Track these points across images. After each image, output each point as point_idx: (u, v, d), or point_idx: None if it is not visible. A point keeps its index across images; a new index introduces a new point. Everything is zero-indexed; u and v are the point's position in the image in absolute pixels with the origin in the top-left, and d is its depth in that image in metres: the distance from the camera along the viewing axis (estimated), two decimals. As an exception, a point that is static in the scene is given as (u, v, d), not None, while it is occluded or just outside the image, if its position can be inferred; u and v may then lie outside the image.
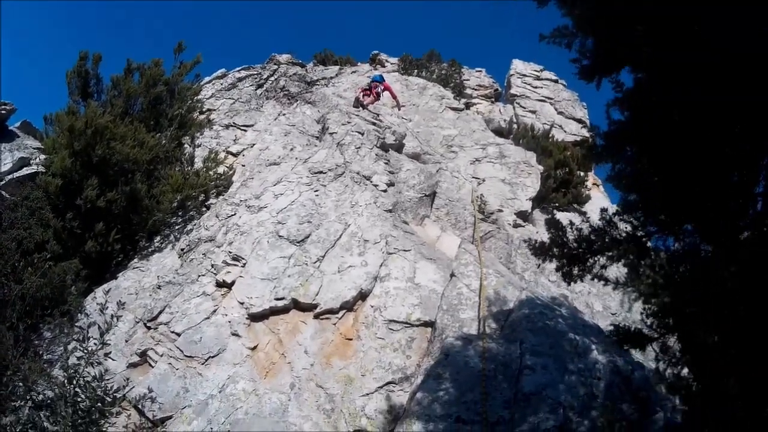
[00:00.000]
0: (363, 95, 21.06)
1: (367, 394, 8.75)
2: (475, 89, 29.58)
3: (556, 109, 25.75)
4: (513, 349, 8.15)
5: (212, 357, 9.57)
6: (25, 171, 14.31)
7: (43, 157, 14.10)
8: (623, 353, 8.47)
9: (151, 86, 15.12)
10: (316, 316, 10.15)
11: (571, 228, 7.48)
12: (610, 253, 7.02)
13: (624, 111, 6.57)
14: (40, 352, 9.72)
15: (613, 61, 6.55)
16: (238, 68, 24.90)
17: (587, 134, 23.43)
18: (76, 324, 10.02)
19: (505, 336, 8.67)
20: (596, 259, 7.20)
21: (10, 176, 14.03)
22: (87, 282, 11.29)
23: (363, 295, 10.44)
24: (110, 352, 8.93)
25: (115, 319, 8.43)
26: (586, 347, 8.08)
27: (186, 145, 15.73)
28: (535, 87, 27.23)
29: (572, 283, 7.79)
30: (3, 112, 15.97)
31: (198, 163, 15.12)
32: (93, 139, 12.38)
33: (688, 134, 5.69)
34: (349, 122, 17.19)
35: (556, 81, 28.34)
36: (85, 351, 7.93)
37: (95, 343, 8.07)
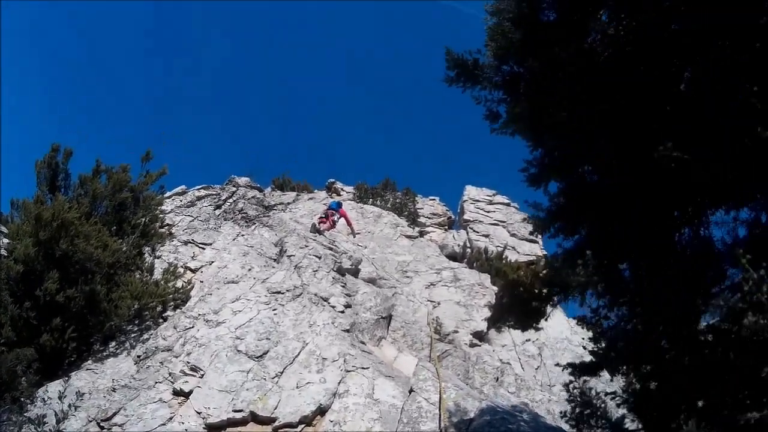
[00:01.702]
0: (320, 222, 21.39)
1: None
2: (429, 218, 30.01)
3: (509, 232, 26.14)
4: (476, 457, 8.16)
5: (166, 464, 9.37)
6: None
7: (6, 241, 14.05)
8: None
9: (117, 191, 15.21)
10: (275, 430, 10.01)
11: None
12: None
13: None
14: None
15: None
16: (197, 186, 25.11)
17: (540, 253, 23.83)
18: (26, 414, 9.83)
19: (467, 445, 8.68)
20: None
21: None
22: (39, 375, 11.07)
23: (322, 410, 10.34)
24: (66, 439, 8.83)
25: (72, 408, 8.37)
26: (549, 451, 8.11)
27: (146, 255, 15.74)
28: (488, 211, 27.70)
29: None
30: None
31: (157, 274, 15.07)
32: (58, 232, 12.35)
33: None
34: (306, 246, 17.38)
35: (508, 204, 28.83)
36: (40, 433, 7.84)
37: (50, 429, 7.98)
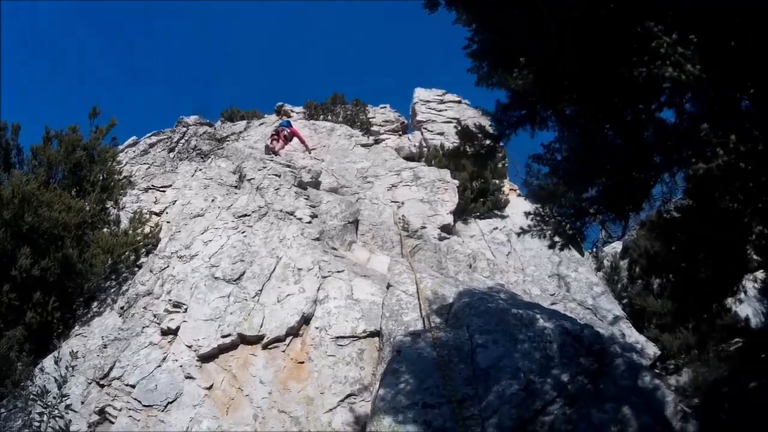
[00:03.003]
0: (272, 141, 21.33)
1: (331, 410, 8.89)
2: (382, 125, 29.88)
3: (459, 122, 26.04)
4: (461, 334, 8.33)
5: (171, 402, 9.56)
6: None
7: (-29, 229, 13.97)
8: (569, 318, 8.77)
9: (71, 152, 15.08)
10: (265, 347, 10.23)
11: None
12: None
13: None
14: None
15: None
16: (148, 134, 24.88)
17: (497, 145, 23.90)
18: (29, 394, 9.93)
19: (452, 325, 8.85)
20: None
21: None
22: (31, 355, 11.11)
23: (306, 319, 10.56)
24: (71, 404, 8.95)
25: (70, 370, 8.44)
26: (531, 318, 8.30)
27: (110, 208, 15.68)
28: (440, 110, 27.56)
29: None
30: None
31: (124, 225, 15.06)
32: (21, 208, 12.27)
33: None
34: (264, 167, 17.36)
35: (459, 101, 28.66)
36: (46, 405, 7.92)
37: (54, 397, 8.06)
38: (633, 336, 12.52)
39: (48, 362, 10.98)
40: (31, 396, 9.03)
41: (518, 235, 7.58)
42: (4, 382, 10.09)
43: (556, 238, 6.99)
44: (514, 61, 6.11)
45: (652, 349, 11.89)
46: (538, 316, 8.40)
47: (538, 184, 6.88)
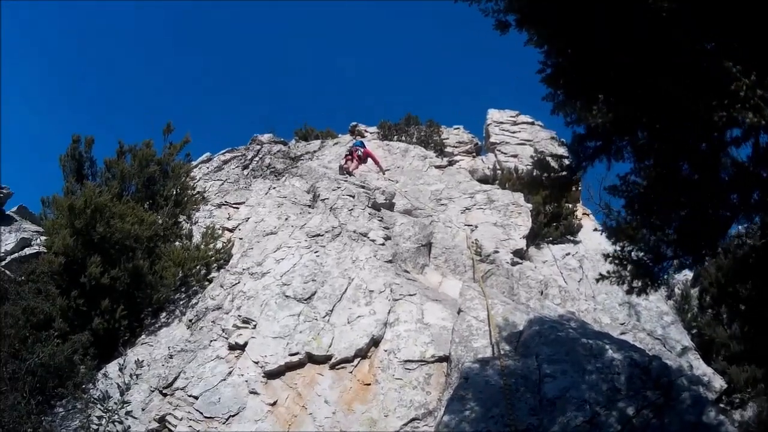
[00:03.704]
0: (346, 161, 21.41)
1: (393, 433, 8.85)
2: (455, 146, 29.75)
3: (536, 150, 25.84)
4: (530, 363, 8.29)
5: (233, 416, 9.66)
6: (27, 251, 14.49)
7: (43, 238, 14.24)
8: (638, 349, 8.66)
9: (144, 167, 15.40)
10: (332, 367, 10.26)
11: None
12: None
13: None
14: (55, 427, 9.81)
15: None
16: (222, 151, 25.19)
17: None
18: (90, 397, 10.08)
19: (520, 353, 8.81)
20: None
21: (12, 256, 14.23)
22: (96, 360, 11.31)
23: (375, 342, 10.57)
24: (131, 411, 9.08)
25: (134, 377, 8.57)
26: (601, 348, 8.23)
27: (183, 223, 15.90)
28: (513, 132, 27.40)
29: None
30: (0, 195, 16.13)
31: (197, 239, 15.27)
32: (93, 218, 12.51)
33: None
34: (338, 188, 17.45)
35: (532, 123, 28.40)
36: (106, 410, 8.04)
37: (115, 403, 8.19)
38: (701, 368, 12.30)
39: (112, 368, 11.19)
40: (92, 399, 9.20)
41: (597, 281, 7.66)
42: (65, 384, 10.27)
43: (635, 283, 6.98)
44: (590, 91, 6.10)
45: (719, 382, 11.69)
46: (607, 346, 8.32)
47: (615, 222, 6.89)
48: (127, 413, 8.62)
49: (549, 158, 7.29)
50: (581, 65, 6.64)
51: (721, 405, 9.08)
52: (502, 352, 9.07)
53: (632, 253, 7.07)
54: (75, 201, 12.64)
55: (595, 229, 16.78)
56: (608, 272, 7.31)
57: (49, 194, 15.21)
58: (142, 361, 9.76)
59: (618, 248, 7.29)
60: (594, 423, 7.04)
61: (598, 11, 6.02)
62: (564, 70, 6.85)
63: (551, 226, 18.17)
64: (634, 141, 6.43)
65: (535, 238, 17.89)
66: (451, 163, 25.89)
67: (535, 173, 7.59)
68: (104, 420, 8.11)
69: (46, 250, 13.26)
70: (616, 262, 7.21)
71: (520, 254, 16.49)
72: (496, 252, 16.01)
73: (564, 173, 7.18)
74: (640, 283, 7.11)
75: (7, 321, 10.75)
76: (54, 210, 14.18)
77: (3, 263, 13.88)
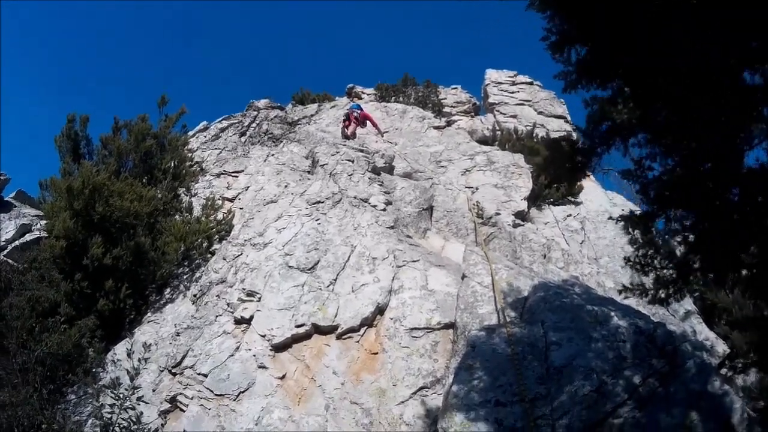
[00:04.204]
0: (344, 126, 21.33)
1: (402, 402, 8.88)
2: (454, 107, 29.61)
3: (535, 110, 25.76)
4: (536, 330, 8.27)
5: (243, 392, 9.71)
6: (28, 237, 14.64)
7: (43, 222, 14.33)
8: (643, 316, 8.65)
9: (141, 141, 15.37)
10: (339, 337, 10.30)
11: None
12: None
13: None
14: (68, 414, 9.84)
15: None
16: (219, 119, 25.09)
17: (570, 128, 23.63)
18: (100, 383, 10.04)
19: (526, 320, 8.79)
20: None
21: (13, 244, 14.31)
22: (103, 342, 11.41)
23: (380, 310, 10.59)
24: (142, 396, 9.08)
25: (143, 362, 8.56)
26: (606, 315, 8.21)
27: (182, 195, 15.88)
28: (512, 92, 27.28)
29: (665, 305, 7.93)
30: None
31: (197, 212, 15.26)
32: (92, 198, 12.52)
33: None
34: (337, 152, 17.43)
35: (531, 83, 28.26)
36: (117, 397, 8.04)
37: (126, 389, 8.19)
38: (704, 332, 12.35)
39: (120, 349, 11.26)
40: (103, 386, 9.21)
41: (620, 292, 7.70)
42: (75, 370, 10.33)
43: (660, 294, 7.01)
44: (606, 74, 6.05)
45: (721, 347, 11.73)
46: (612, 313, 8.31)
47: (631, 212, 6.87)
48: (138, 399, 8.63)
49: (562, 144, 7.23)
50: (587, 32, 6.56)
51: (724, 370, 9.07)
52: (507, 319, 9.05)
53: (655, 261, 7.07)
54: (73, 182, 12.64)
55: (593, 180, 16.77)
56: (631, 284, 7.35)
57: (47, 176, 15.24)
58: (150, 344, 9.75)
59: (640, 254, 7.31)
60: (601, 392, 7.06)
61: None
62: (570, 39, 6.75)
63: (552, 187, 18.12)
64: (659, 138, 6.34)
65: (536, 199, 17.86)
66: (449, 124, 25.81)
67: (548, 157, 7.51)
68: (116, 407, 8.10)
69: (46, 235, 13.28)
70: (638, 267, 7.21)
71: (521, 216, 16.52)
72: (498, 214, 16.05)
73: (579, 158, 7.11)
74: (663, 294, 7.11)
75: (13, 313, 10.76)
76: (52, 192, 14.14)
77: (4, 253, 13.95)
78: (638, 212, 7.02)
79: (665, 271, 7.01)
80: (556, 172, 7.66)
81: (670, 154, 6.30)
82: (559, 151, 7.23)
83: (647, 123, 6.15)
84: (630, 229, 7.16)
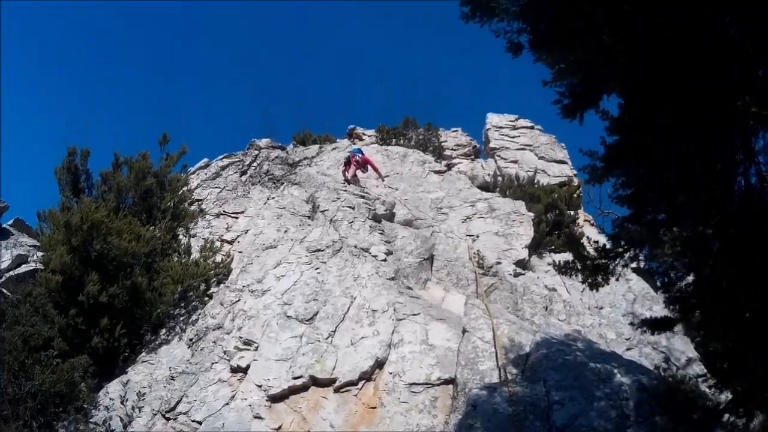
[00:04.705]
0: (345, 171, 21.33)
1: (400, 458, 8.71)
2: (454, 149, 29.67)
3: (536, 155, 25.73)
4: (538, 389, 8.25)
5: (238, 442, 9.60)
6: (24, 268, 14.56)
7: (40, 254, 14.22)
8: (646, 371, 8.60)
9: (141, 179, 15.33)
10: (336, 390, 10.20)
11: (589, 242, 7.66)
12: (629, 254, 7.20)
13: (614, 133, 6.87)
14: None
15: (595, 91, 6.81)
16: (220, 157, 25.06)
17: (570, 173, 23.68)
18: (91, 420, 10.11)
19: (528, 378, 8.78)
20: (616, 262, 7.37)
21: (8, 274, 14.27)
22: (96, 378, 11.29)
23: (380, 364, 10.49)
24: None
25: (137, 410, 8.49)
26: (609, 373, 8.21)
27: (181, 236, 15.84)
28: (513, 137, 27.28)
29: (596, 290, 7.93)
30: None
31: (195, 253, 15.18)
32: (90, 235, 12.46)
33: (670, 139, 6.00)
34: (338, 198, 17.41)
35: (532, 127, 28.23)
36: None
37: None
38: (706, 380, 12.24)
39: (113, 387, 11.21)
40: (95, 426, 9.15)
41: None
42: (66, 407, 10.27)
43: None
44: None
45: (724, 394, 11.62)
46: (615, 370, 8.33)
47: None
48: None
49: (585, 243, 7.44)
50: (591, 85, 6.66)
51: (729, 416, 8.99)
52: (509, 377, 9.03)
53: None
54: (72, 217, 12.58)
55: (593, 225, 16.82)
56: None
57: (45, 206, 15.24)
58: (144, 394, 9.69)
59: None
60: (603, 453, 6.98)
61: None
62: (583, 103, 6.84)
63: (553, 234, 18.09)
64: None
65: (537, 247, 17.80)
66: (449, 167, 25.82)
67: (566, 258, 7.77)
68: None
69: (43, 268, 13.20)
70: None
71: (522, 264, 16.41)
72: (499, 263, 15.95)
73: (603, 261, 7.27)
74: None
75: (5, 346, 10.73)
76: (50, 225, 14.14)
77: (1, 281, 13.85)
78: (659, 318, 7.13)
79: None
80: (573, 271, 7.80)
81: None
82: (578, 252, 7.40)
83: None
84: (649, 332, 7.38)
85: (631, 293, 15.06)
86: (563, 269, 8.03)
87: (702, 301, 6.36)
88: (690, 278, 6.62)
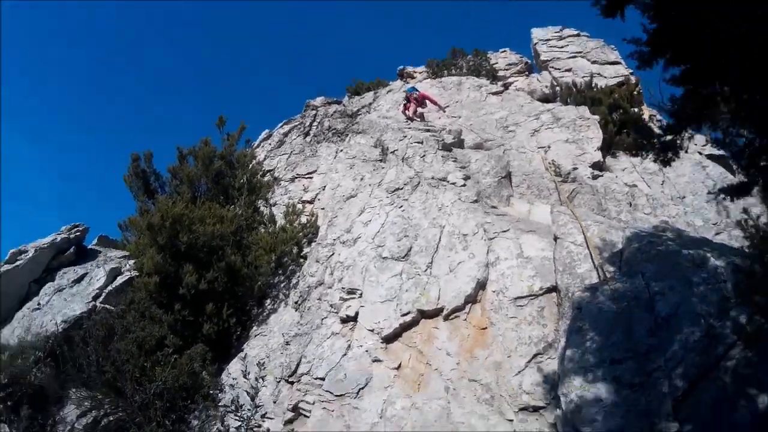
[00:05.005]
0: (405, 109, 21.40)
1: (519, 372, 8.97)
2: (507, 69, 29.51)
3: (588, 60, 25.39)
4: (638, 282, 8.33)
5: (362, 388, 9.90)
6: (119, 280, 14.96)
7: (131, 261, 14.67)
8: (738, 252, 8.65)
9: (209, 165, 15.75)
10: (446, 318, 10.42)
11: (653, 121, 7.67)
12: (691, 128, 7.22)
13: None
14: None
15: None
16: (280, 124, 25.35)
17: (626, 72, 23.41)
18: (220, 405, 10.43)
19: (625, 273, 8.84)
20: (682, 136, 7.38)
21: (107, 289, 14.63)
22: (215, 364, 11.71)
23: (481, 285, 10.66)
24: (266, 413, 9.36)
25: (260, 381, 8.79)
26: (703, 257, 8.20)
27: (262, 208, 16.17)
28: (562, 47, 26.95)
29: (667, 166, 7.96)
30: (78, 233, 16.65)
31: (280, 220, 15.53)
32: (174, 230, 12.87)
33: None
34: (405, 137, 17.62)
35: (578, 35, 27.97)
36: (242, 418, 8.30)
37: (248, 409, 8.44)
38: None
39: (233, 367, 11.59)
40: (224, 409, 9.51)
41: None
42: (193, 397, 10.70)
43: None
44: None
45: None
46: (708, 254, 8.29)
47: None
48: (262, 416, 8.88)
49: (650, 124, 7.45)
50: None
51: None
52: (607, 275, 9.15)
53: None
54: (152, 218, 13.02)
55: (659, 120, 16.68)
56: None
57: (123, 217, 15.82)
58: (263, 362, 10.00)
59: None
60: (711, 336, 7.10)
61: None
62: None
63: (622, 133, 18.04)
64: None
65: (609, 148, 17.77)
66: (506, 87, 25.79)
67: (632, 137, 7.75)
68: (242, 428, 8.36)
69: (137, 274, 13.63)
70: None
71: (598, 167, 16.50)
72: (575, 169, 16.09)
73: (668, 137, 7.26)
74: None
75: (122, 357, 11.10)
76: (133, 231, 14.57)
77: (99, 299, 14.29)
78: (735, 183, 7.13)
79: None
80: (641, 151, 7.80)
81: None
82: (641, 131, 7.41)
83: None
84: (728, 199, 7.33)
85: (710, 179, 14.96)
86: (635, 151, 8.03)
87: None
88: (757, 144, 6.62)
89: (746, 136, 6.58)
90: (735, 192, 7.26)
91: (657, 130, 7.66)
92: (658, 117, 19.16)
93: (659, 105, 7.30)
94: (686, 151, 7.76)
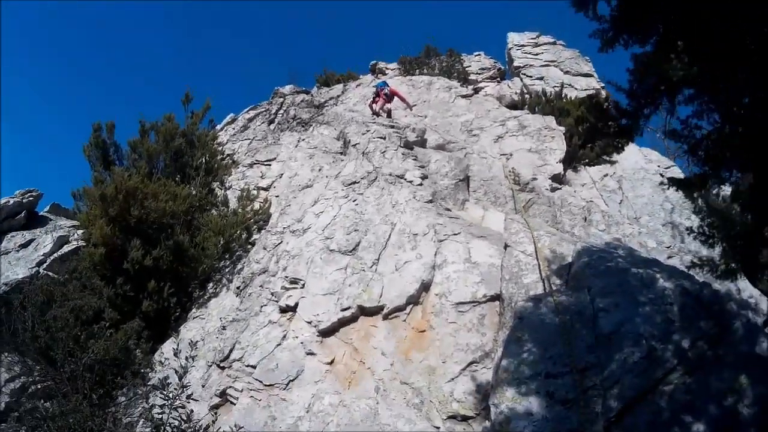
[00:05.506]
0: (373, 103, 21.27)
1: (452, 379, 8.85)
2: (479, 73, 29.43)
3: (561, 70, 25.53)
4: (582, 297, 8.23)
5: (292, 380, 9.74)
6: (66, 249, 14.98)
7: (80, 231, 14.43)
8: (687, 276, 8.57)
9: (170, 141, 15.51)
10: (385, 317, 10.25)
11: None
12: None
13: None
14: (119, 417, 9.92)
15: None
16: (246, 109, 25.27)
17: (598, 86, 23.44)
18: (149, 383, 10.16)
19: (572, 287, 8.77)
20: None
21: (51, 256, 14.60)
22: (150, 342, 11.57)
23: (425, 286, 10.51)
24: (192, 393, 9.16)
25: (190, 360, 8.58)
26: (652, 277, 8.14)
27: (217, 190, 15.99)
28: (536, 54, 27.04)
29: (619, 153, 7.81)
30: (31, 198, 16.56)
31: (233, 204, 15.35)
32: (126, 202, 12.68)
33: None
34: (368, 131, 17.37)
35: (554, 43, 28.05)
36: (167, 397, 8.09)
37: (175, 388, 8.24)
38: (747, 289, 12.10)
39: (167, 347, 11.43)
40: (152, 387, 9.30)
41: (688, 268, 7.67)
42: (123, 373, 10.45)
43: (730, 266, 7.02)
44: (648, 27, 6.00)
45: (765, 304, 11.56)
46: (657, 275, 8.22)
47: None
48: (188, 397, 8.70)
49: (606, 103, 7.19)
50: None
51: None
52: (553, 287, 9.07)
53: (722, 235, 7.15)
54: (106, 189, 12.82)
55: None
56: (700, 259, 7.45)
57: (78, 186, 15.43)
58: (196, 342, 9.79)
59: (705, 224, 7.34)
60: (651, 358, 7.01)
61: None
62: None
63: (586, 147, 17.97)
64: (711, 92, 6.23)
65: (571, 161, 17.71)
66: (476, 91, 25.70)
67: (578, 114, 7.53)
68: (166, 407, 8.15)
69: (84, 244, 13.46)
70: (703, 239, 7.23)
71: (558, 179, 16.41)
72: (534, 179, 15.98)
73: (624, 121, 7.07)
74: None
75: (57, 324, 10.86)
76: (86, 201, 14.30)
77: (44, 266, 14.17)
78: (690, 175, 6.99)
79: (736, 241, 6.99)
80: (597, 136, 7.60)
81: (721, 109, 6.19)
82: (599, 113, 7.17)
83: (701, 76, 6.01)
84: (683, 194, 7.16)
85: (668, 203, 15.05)
86: (588, 137, 7.88)
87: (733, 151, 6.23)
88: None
89: (705, 128, 6.43)
90: (686, 185, 7.09)
91: (612, 110, 7.44)
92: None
93: (617, 86, 7.09)
94: (641, 135, 7.60)
